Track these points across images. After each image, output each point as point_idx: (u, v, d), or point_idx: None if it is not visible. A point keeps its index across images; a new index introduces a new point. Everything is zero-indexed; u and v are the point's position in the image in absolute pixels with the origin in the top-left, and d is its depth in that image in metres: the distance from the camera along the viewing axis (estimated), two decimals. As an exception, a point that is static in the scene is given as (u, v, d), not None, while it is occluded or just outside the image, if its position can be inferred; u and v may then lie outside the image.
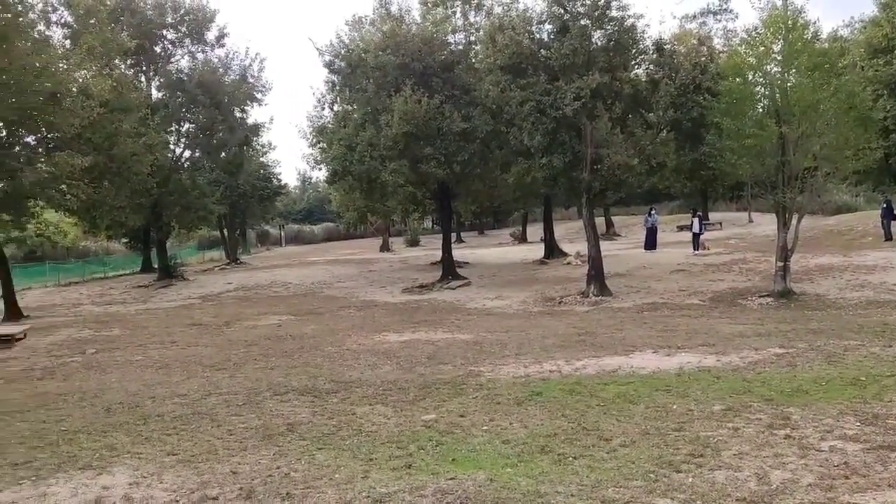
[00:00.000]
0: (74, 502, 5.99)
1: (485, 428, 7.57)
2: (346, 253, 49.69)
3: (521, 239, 51.23)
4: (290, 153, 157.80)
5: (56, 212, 29.19)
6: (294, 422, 8.29)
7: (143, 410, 9.34)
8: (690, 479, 5.68)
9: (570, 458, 6.36)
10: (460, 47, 25.86)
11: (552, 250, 32.89)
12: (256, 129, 40.09)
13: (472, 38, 26.00)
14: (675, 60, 20.84)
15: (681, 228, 42.31)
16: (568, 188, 21.90)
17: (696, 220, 29.23)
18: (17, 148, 20.94)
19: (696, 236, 28.85)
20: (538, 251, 34.62)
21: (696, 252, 27.99)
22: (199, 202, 35.74)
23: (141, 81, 34.58)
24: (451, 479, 5.93)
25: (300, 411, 8.82)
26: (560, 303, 19.87)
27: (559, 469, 6.10)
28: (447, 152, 23.37)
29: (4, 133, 20.25)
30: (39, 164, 20.22)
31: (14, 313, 23.11)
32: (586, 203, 21.07)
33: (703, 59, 21.78)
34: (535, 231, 49.47)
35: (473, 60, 24.96)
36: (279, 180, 56.89)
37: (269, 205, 55.85)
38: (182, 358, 13.83)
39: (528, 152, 20.71)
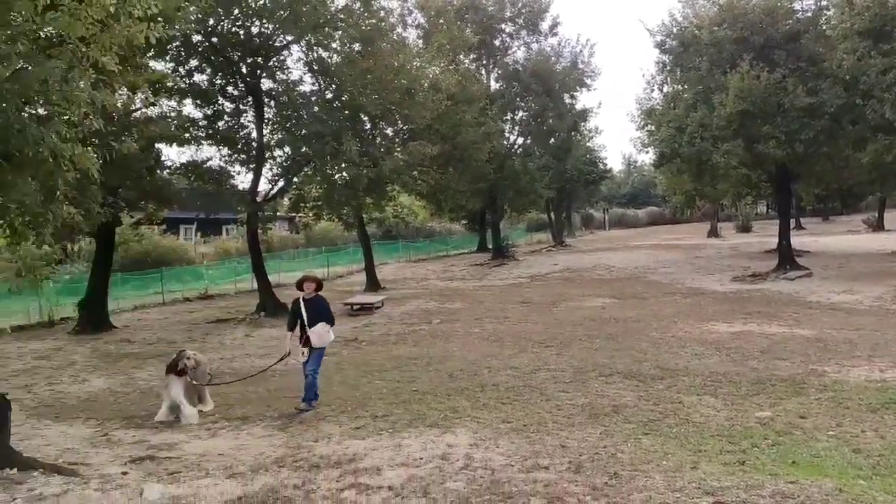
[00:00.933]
0: (424, 455, 6.72)
1: (830, 433, 6.95)
2: (670, 238, 48.36)
3: (877, 226, 45.05)
4: (616, 137, 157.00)
5: (408, 195, 32.88)
6: (619, 404, 8.42)
7: (481, 379, 10.24)
8: None
9: (944, 481, 5.57)
10: (808, 14, 23.74)
11: (919, 240, 28.47)
12: (584, 114, 40.94)
13: (824, 3, 23.45)
14: None
15: None
16: (945, 167, 18.87)
17: None
18: (379, 139, 23.85)
19: None
20: (900, 241, 30.21)
21: None
22: (530, 187, 37.50)
23: (481, 74, 37.31)
24: (791, 482, 5.55)
25: (625, 394, 8.94)
26: (928, 301, 17.14)
27: (928, 490, 5.37)
28: (788, 130, 21.77)
29: (369, 126, 23.17)
30: (396, 153, 22.87)
31: (374, 284, 26.75)
32: (970, 185, 17.87)
33: None
34: (895, 218, 43.07)
35: (824, 27, 22.51)
36: (605, 164, 56.97)
37: (594, 188, 56.42)
38: (513, 333, 14.80)
39: (890, 127, 18.35)
